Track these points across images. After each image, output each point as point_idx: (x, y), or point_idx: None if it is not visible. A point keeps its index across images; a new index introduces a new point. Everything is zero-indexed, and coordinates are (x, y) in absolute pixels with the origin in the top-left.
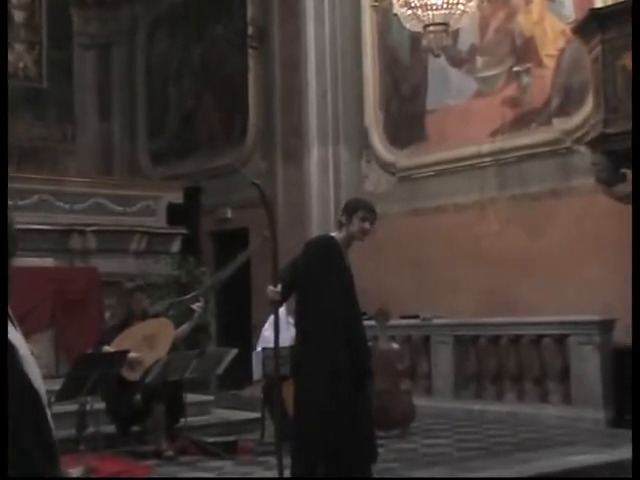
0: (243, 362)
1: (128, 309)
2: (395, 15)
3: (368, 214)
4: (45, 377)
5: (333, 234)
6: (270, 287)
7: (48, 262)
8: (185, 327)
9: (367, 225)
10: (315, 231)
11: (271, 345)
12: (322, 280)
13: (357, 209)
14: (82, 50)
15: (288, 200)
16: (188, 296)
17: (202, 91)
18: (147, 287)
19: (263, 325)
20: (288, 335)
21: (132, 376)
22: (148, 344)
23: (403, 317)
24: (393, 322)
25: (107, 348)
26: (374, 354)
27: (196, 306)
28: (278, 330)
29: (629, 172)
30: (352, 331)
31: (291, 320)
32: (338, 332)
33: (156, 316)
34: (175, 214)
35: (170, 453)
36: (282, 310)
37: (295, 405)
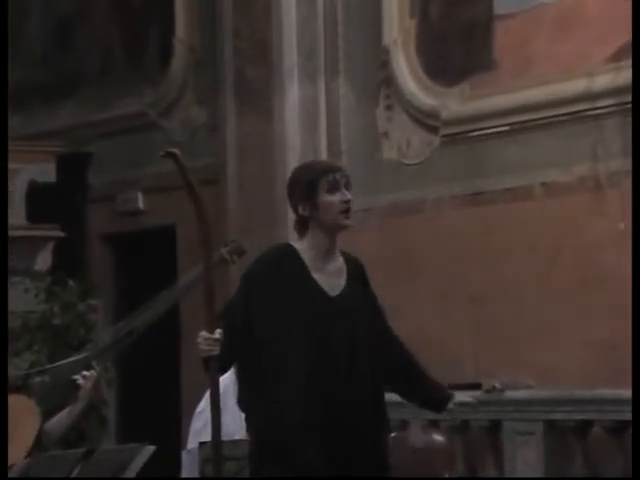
0: (166, 467)
1: None
2: None
3: (335, 176)
4: None
5: (294, 243)
6: (203, 333)
7: None
8: (64, 416)
9: (345, 195)
10: (293, 232)
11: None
12: (280, 326)
13: (314, 181)
14: None
15: (246, 177)
16: (72, 359)
17: None
18: None
19: (198, 404)
20: (242, 420)
21: None
22: None
23: (454, 387)
24: None
25: None
26: (400, 452)
27: (84, 379)
28: (218, 411)
29: None
30: (343, 413)
31: None
32: (312, 417)
33: (16, 389)
34: (42, 202)
35: None
36: (230, 376)
37: None
